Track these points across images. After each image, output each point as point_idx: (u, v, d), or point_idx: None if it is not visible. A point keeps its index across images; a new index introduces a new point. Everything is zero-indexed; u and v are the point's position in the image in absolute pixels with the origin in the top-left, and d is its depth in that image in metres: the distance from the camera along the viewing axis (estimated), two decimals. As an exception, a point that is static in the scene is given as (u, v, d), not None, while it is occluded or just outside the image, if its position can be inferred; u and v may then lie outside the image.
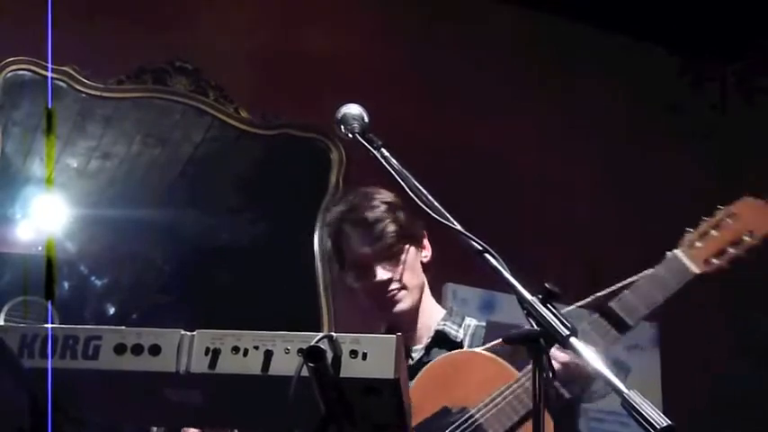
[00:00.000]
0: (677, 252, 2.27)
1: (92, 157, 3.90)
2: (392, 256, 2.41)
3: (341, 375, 1.47)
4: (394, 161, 1.99)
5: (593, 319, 2.19)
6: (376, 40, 4.41)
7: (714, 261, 2.24)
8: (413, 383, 2.21)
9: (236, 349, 1.52)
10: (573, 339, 1.54)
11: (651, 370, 4.40)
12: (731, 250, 2.25)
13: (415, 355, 2.43)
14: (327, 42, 4.26)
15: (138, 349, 1.52)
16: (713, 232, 2.28)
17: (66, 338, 1.54)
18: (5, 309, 3.48)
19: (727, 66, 5.09)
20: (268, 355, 1.50)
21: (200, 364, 1.52)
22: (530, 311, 1.58)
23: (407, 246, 2.43)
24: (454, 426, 2.16)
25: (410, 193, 1.87)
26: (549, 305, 1.57)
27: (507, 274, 1.65)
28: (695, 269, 2.24)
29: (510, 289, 1.63)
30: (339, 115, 2.11)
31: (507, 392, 2.16)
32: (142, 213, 3.87)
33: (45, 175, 3.78)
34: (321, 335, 1.49)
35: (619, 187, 4.69)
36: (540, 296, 1.58)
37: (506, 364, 2.21)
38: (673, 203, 4.72)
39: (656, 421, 1.42)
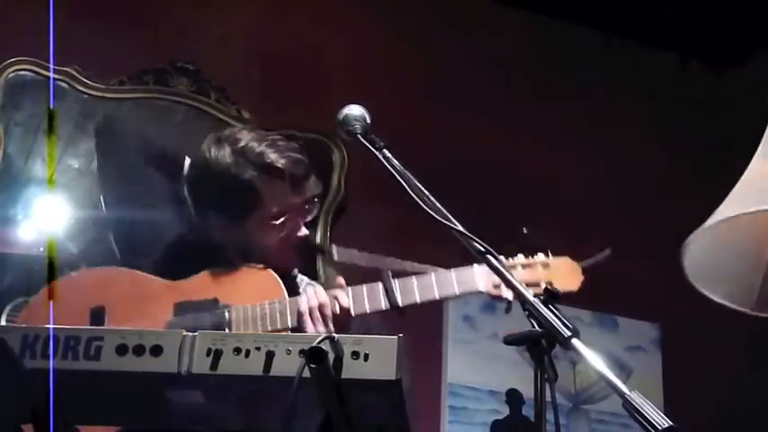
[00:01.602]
0: (475, 267, 2.35)
1: (93, 158, 3.90)
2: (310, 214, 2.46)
3: (342, 376, 1.48)
4: (396, 162, 1.99)
5: (372, 285, 2.31)
6: (378, 42, 4.41)
7: (503, 290, 2.31)
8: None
9: (237, 350, 1.52)
10: (575, 340, 1.54)
11: (653, 371, 4.39)
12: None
13: None
14: (329, 43, 4.26)
15: (139, 350, 1.53)
16: (520, 268, 2.40)
17: (67, 339, 1.54)
18: (7, 309, 3.48)
19: (728, 68, 5.09)
20: (270, 355, 1.50)
21: (201, 365, 1.52)
22: (531, 312, 1.58)
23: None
24: (210, 313, 2.25)
25: (412, 194, 1.87)
26: (550, 306, 1.57)
27: (508, 275, 1.65)
28: (480, 288, 2.36)
29: (511, 290, 1.63)
30: (341, 116, 2.11)
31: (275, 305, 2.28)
32: (144, 214, 3.87)
33: (47, 176, 3.78)
34: (323, 336, 1.49)
35: (621, 190, 4.68)
36: (542, 297, 1.58)
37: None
38: (675, 207, 4.73)
39: (657, 422, 1.42)
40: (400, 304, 2.30)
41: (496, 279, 2.17)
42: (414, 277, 2.33)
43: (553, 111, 4.62)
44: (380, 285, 2.31)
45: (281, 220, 2.38)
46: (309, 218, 2.46)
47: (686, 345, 4.41)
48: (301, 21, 4.29)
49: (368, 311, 2.29)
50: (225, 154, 2.39)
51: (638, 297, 4.49)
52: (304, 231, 2.43)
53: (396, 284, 2.31)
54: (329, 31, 4.31)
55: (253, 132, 2.47)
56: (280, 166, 2.38)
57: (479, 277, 2.35)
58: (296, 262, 2.48)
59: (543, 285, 2.26)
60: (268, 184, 2.38)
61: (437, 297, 2.33)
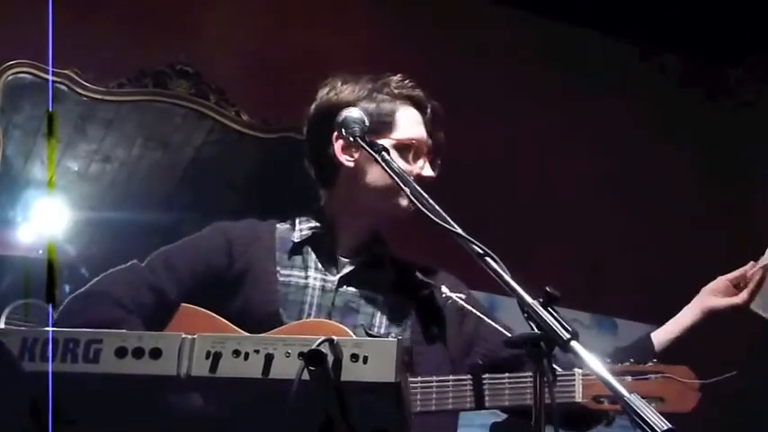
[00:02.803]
0: (576, 373, 2.10)
1: (93, 161, 3.90)
2: (435, 159, 2.30)
3: (341, 379, 1.48)
4: (395, 164, 1.99)
5: (460, 380, 2.09)
6: (377, 44, 4.41)
7: (602, 401, 2.09)
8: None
9: (236, 353, 1.52)
10: (574, 343, 1.53)
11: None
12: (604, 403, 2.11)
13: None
14: (329, 45, 4.26)
15: (138, 353, 1.53)
16: (629, 378, 2.13)
17: (66, 342, 1.54)
18: (6, 312, 3.49)
19: (729, 69, 5.10)
20: (269, 358, 1.50)
21: (200, 368, 1.52)
22: (530, 315, 1.58)
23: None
24: None
25: (411, 196, 1.87)
26: (549, 309, 1.57)
27: (508, 278, 1.65)
28: (578, 397, 2.09)
29: (511, 292, 1.63)
30: (340, 119, 2.11)
31: None
32: (143, 216, 3.87)
33: (46, 179, 3.78)
34: (322, 338, 1.49)
35: (621, 191, 4.69)
36: (541, 300, 1.58)
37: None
38: (675, 208, 4.73)
39: (656, 425, 1.42)
40: (487, 407, 2.10)
41: (598, 389, 2.04)
42: (507, 378, 2.09)
43: (552, 111, 4.63)
44: (469, 383, 2.08)
45: (411, 151, 2.22)
46: (433, 164, 2.27)
47: (685, 347, 4.41)
48: (300, 23, 4.29)
49: (450, 409, 2.09)
50: (353, 89, 2.26)
51: (638, 299, 4.49)
52: (429, 172, 2.24)
53: (486, 384, 2.09)
54: (328, 33, 4.31)
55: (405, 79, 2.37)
56: (417, 95, 2.30)
57: (578, 386, 2.10)
58: (362, 236, 2.28)
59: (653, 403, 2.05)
60: (403, 111, 2.26)
61: (528, 403, 2.02)
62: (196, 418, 1.60)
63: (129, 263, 2.21)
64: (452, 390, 2.08)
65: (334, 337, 1.49)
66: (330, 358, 1.47)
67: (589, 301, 4.32)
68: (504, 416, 4.10)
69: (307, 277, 2.21)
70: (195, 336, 1.54)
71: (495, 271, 1.67)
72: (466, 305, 2.25)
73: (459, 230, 1.74)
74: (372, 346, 1.50)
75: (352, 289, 2.21)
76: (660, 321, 4.61)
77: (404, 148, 2.21)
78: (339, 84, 2.28)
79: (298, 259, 2.23)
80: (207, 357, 1.52)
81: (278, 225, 2.32)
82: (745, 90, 5.07)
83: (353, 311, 2.17)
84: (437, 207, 1.82)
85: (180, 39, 4.05)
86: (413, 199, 1.87)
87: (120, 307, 2.10)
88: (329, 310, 2.15)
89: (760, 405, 4.37)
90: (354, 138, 2.07)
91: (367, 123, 2.08)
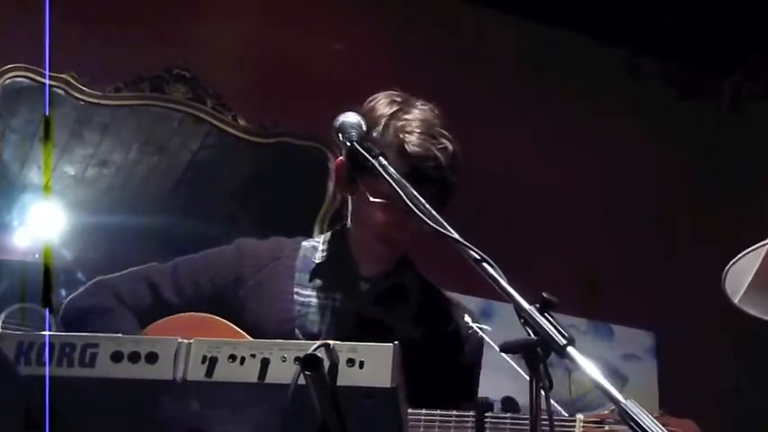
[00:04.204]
0: (578, 417, 2.05)
1: (89, 165, 3.90)
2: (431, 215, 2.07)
3: (338, 384, 1.47)
4: (392, 170, 1.99)
5: (463, 416, 2.04)
6: (375, 49, 4.42)
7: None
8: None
9: (232, 357, 1.52)
10: (570, 349, 1.53)
11: (648, 379, 4.40)
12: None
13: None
14: (326, 51, 4.27)
15: (134, 357, 1.52)
16: None
17: (62, 346, 1.53)
18: (2, 316, 3.48)
19: (723, 77, 5.11)
20: (265, 363, 1.50)
21: (196, 372, 1.52)
22: (527, 320, 1.58)
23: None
24: None
25: (407, 201, 1.87)
26: (546, 314, 1.57)
27: (505, 283, 1.65)
28: None
29: (507, 298, 1.63)
30: (337, 124, 2.10)
31: None
32: (139, 221, 3.87)
33: (42, 183, 3.78)
34: (318, 343, 1.49)
35: (619, 198, 4.69)
36: (538, 305, 1.58)
37: None
38: (671, 214, 4.74)
39: (653, 431, 1.42)
40: None
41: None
42: (509, 418, 2.06)
43: (551, 115, 4.63)
44: (472, 419, 2.04)
45: (381, 202, 2.12)
46: (414, 229, 2.13)
47: (681, 353, 4.42)
48: (297, 28, 4.30)
49: None
50: (385, 113, 2.17)
51: (634, 305, 4.50)
52: (398, 236, 2.16)
53: (488, 424, 2.04)
54: (325, 38, 4.32)
55: (426, 114, 2.21)
56: (409, 151, 2.10)
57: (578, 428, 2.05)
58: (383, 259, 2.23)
59: None
60: (392, 160, 2.04)
61: None
62: (192, 422, 1.60)
63: (146, 264, 2.25)
64: (455, 425, 2.04)
65: (331, 342, 1.49)
66: (326, 363, 1.47)
67: (585, 307, 4.32)
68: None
69: (326, 298, 2.19)
70: (191, 340, 1.55)
71: (491, 276, 1.67)
72: (486, 337, 2.27)
73: (456, 235, 1.74)
74: (369, 351, 1.49)
75: (371, 312, 2.18)
76: (655, 327, 4.63)
77: (374, 194, 2.13)
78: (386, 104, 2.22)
79: (318, 280, 2.21)
80: (203, 362, 1.52)
81: (303, 243, 2.30)
82: (739, 96, 5.09)
83: (369, 337, 2.10)
84: (434, 212, 1.81)
85: (177, 43, 4.05)
86: (409, 204, 1.86)
87: (116, 298, 2.14)
88: (345, 333, 2.07)
89: (757, 413, 4.37)
90: (351, 143, 2.06)
91: (364, 128, 2.07)
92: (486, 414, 2.06)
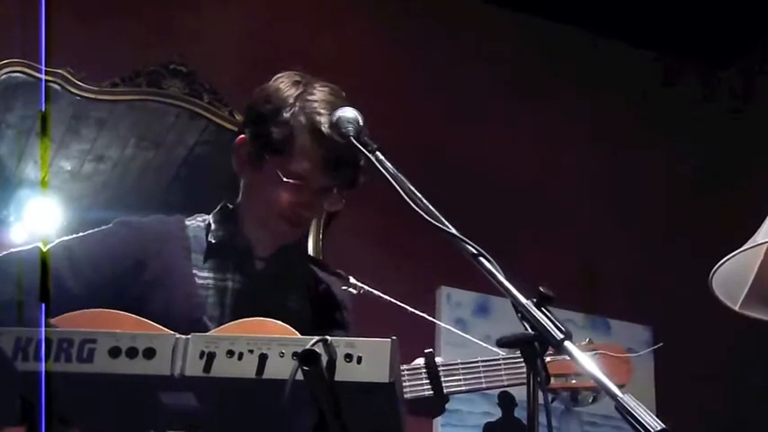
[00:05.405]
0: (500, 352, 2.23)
1: (86, 160, 3.90)
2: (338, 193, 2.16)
3: (336, 379, 1.48)
4: (389, 164, 1.98)
5: (414, 367, 2.18)
6: (373, 45, 4.42)
7: (552, 381, 2.21)
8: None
9: (230, 353, 1.52)
10: (567, 343, 1.54)
11: (645, 374, 4.40)
12: (573, 381, 2.26)
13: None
14: (323, 46, 4.26)
15: (132, 352, 1.53)
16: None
17: (60, 342, 1.53)
18: None
19: (720, 70, 5.11)
20: (263, 358, 1.50)
21: (194, 368, 1.52)
22: (524, 315, 1.58)
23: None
24: None
25: (405, 196, 1.87)
26: (543, 309, 1.57)
27: (502, 278, 1.65)
28: None
29: (504, 292, 1.63)
30: (334, 118, 2.10)
31: None
32: (136, 216, 3.87)
33: (39, 178, 3.78)
34: (316, 338, 1.49)
35: (617, 192, 4.70)
36: (535, 300, 1.58)
37: None
38: (669, 209, 4.74)
39: (650, 425, 1.42)
40: (445, 392, 2.18)
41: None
42: (460, 365, 2.21)
43: (550, 112, 4.63)
44: (423, 370, 2.18)
45: (294, 183, 2.10)
46: (323, 209, 2.21)
47: (678, 347, 4.42)
48: (295, 23, 4.29)
49: (408, 397, 2.12)
50: (292, 93, 2.17)
51: (631, 300, 4.50)
52: (308, 215, 2.18)
53: (441, 371, 2.18)
54: (323, 33, 4.31)
55: (332, 96, 2.18)
56: (325, 133, 2.09)
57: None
58: (287, 238, 2.21)
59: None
60: (306, 141, 2.09)
61: (484, 387, 2.24)
62: (190, 418, 1.60)
63: (30, 245, 2.11)
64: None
65: (328, 337, 1.50)
66: (324, 358, 1.47)
67: (582, 302, 4.32)
68: (498, 416, 4.11)
69: (224, 280, 2.14)
70: (189, 336, 1.55)
71: (488, 271, 1.67)
72: (366, 287, 2.30)
73: (453, 230, 1.74)
74: (366, 347, 1.50)
75: (268, 292, 2.15)
76: (652, 322, 4.64)
77: (289, 176, 2.11)
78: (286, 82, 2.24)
79: (214, 261, 2.15)
80: (201, 357, 1.52)
81: (187, 222, 2.24)
82: (740, 95, 5.09)
83: (267, 313, 1.98)
84: (431, 207, 1.81)
85: (174, 38, 4.05)
86: (407, 199, 1.86)
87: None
88: (245, 314, 2.00)
89: (755, 407, 4.38)
90: (348, 138, 2.05)
91: (361, 123, 2.07)
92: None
